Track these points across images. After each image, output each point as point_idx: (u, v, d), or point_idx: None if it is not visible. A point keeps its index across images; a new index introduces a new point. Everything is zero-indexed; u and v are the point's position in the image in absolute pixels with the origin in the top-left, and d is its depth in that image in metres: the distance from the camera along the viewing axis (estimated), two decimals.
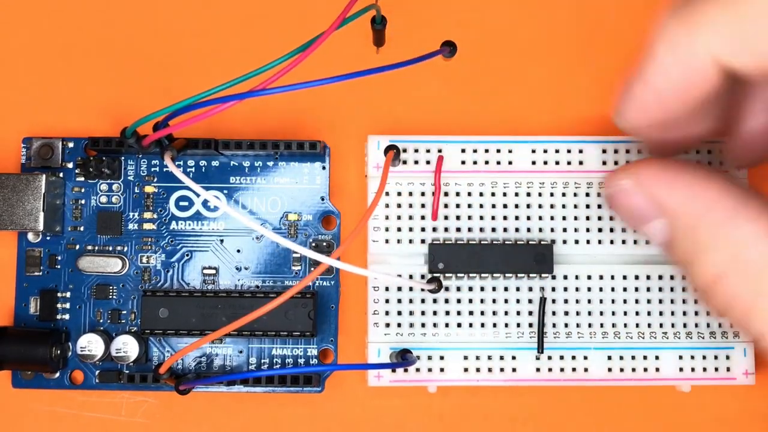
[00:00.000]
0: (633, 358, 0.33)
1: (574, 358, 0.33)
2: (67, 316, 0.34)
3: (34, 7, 0.36)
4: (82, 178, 0.34)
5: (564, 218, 0.33)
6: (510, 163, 0.33)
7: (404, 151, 0.33)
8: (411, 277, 0.33)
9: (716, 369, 0.33)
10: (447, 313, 0.33)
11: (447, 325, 0.33)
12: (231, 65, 0.35)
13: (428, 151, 0.33)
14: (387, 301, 0.33)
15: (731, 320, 0.24)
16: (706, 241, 0.23)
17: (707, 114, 0.26)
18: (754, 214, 0.22)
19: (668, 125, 0.25)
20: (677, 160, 0.25)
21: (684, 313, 0.33)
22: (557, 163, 0.33)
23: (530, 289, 0.33)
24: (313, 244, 0.34)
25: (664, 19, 0.22)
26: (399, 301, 0.33)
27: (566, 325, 0.33)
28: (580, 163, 0.33)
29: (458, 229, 0.33)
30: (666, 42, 0.22)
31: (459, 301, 0.33)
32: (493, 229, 0.33)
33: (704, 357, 0.33)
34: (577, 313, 0.33)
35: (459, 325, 0.33)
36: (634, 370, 0.33)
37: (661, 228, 0.25)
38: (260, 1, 0.36)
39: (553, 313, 0.33)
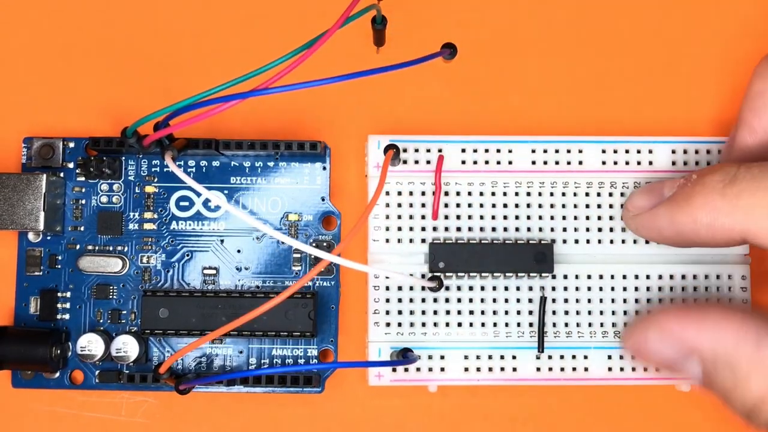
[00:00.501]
0: (633, 357, 0.33)
1: (574, 357, 0.33)
2: (67, 316, 0.34)
3: (34, 7, 0.36)
4: (83, 178, 0.34)
5: (564, 218, 0.33)
6: (510, 163, 0.33)
7: (404, 150, 0.33)
8: (411, 276, 0.33)
9: None
10: (447, 312, 0.33)
11: (447, 324, 0.33)
12: (231, 65, 0.35)
13: (428, 150, 0.33)
14: (387, 300, 0.33)
15: None
16: (743, 371, 0.25)
17: None
18: None
19: None
20: (688, 304, 0.30)
21: None
22: (557, 163, 0.33)
23: (530, 288, 0.33)
24: (314, 245, 0.34)
25: (712, 182, 0.27)
26: (399, 300, 0.33)
27: (566, 325, 0.33)
28: (580, 163, 0.33)
29: (458, 229, 0.33)
30: (707, 203, 0.27)
31: (459, 300, 0.33)
32: (494, 229, 0.33)
33: None
34: (578, 313, 0.33)
35: (459, 324, 0.33)
36: (634, 369, 0.33)
37: (697, 368, 0.27)
38: (260, 2, 0.36)
39: (554, 313, 0.33)
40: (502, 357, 0.33)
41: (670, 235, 0.29)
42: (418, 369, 0.32)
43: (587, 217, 0.33)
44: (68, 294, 0.34)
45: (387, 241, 0.33)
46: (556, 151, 0.33)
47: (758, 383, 0.25)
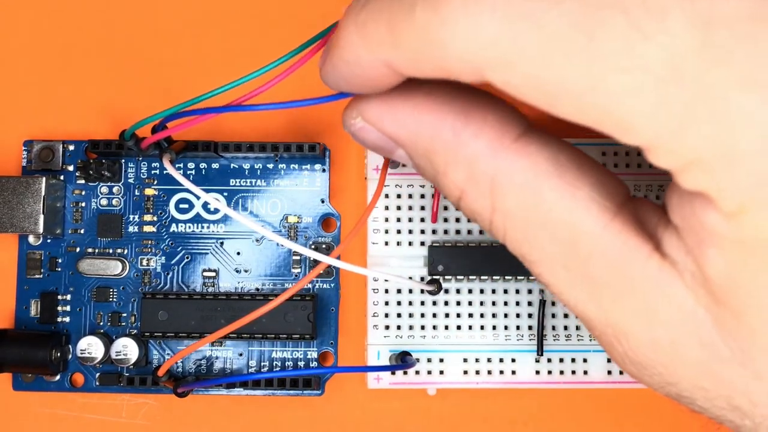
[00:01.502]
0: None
1: (573, 360, 0.33)
2: (67, 319, 0.34)
3: (34, 10, 0.36)
4: (83, 181, 0.34)
5: None
6: None
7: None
8: (410, 279, 0.33)
9: None
10: (447, 315, 0.33)
11: (447, 327, 0.33)
12: (231, 67, 0.35)
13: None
14: (386, 303, 0.33)
15: (484, 230, 0.24)
16: (440, 164, 0.23)
17: None
18: (477, 126, 0.22)
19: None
20: (401, 86, 0.23)
21: None
22: None
23: (530, 291, 0.33)
24: (313, 247, 0.34)
25: (347, 15, 0.22)
26: (399, 303, 0.33)
27: (566, 328, 0.33)
28: None
29: (458, 232, 0.33)
30: (346, 42, 0.21)
31: (458, 303, 0.33)
32: None
33: None
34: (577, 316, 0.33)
35: (458, 327, 0.33)
36: None
37: (405, 156, 0.24)
38: (260, 3, 0.36)
39: (553, 316, 0.33)
40: (501, 360, 0.33)
41: (340, 85, 0.23)
42: (417, 372, 0.32)
43: None
44: (68, 297, 0.34)
45: (386, 243, 0.33)
46: None
47: (456, 176, 0.22)
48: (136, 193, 0.35)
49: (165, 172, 0.35)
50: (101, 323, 0.34)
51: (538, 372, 0.33)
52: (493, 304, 0.33)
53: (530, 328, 0.33)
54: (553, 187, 0.21)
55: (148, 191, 0.35)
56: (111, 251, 0.34)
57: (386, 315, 0.33)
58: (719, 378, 0.21)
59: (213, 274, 0.34)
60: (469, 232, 0.33)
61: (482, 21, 0.18)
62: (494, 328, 0.33)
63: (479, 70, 0.19)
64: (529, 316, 0.33)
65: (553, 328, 0.33)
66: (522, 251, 0.22)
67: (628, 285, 0.21)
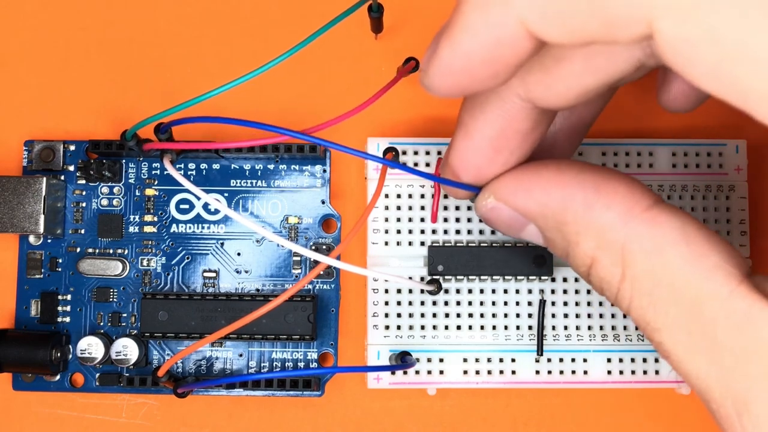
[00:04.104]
0: (632, 360, 0.32)
1: (573, 360, 0.33)
2: (67, 319, 0.34)
3: (34, 10, 0.36)
4: (83, 181, 0.35)
5: None
6: None
7: (404, 153, 0.33)
8: (410, 279, 0.33)
9: None
10: (446, 315, 0.33)
11: (446, 327, 0.33)
12: (231, 68, 0.35)
13: (428, 153, 0.33)
14: (386, 303, 0.33)
15: (610, 301, 0.24)
16: (572, 234, 0.24)
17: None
18: (608, 198, 0.23)
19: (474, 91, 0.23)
20: (531, 164, 0.25)
21: None
22: None
23: (530, 291, 0.33)
24: (314, 248, 0.34)
25: None
26: (398, 303, 0.33)
27: (566, 328, 0.33)
28: None
29: (458, 232, 0.33)
30: (476, 4, 0.20)
31: (458, 303, 0.33)
32: (493, 232, 0.33)
33: None
34: (577, 316, 0.33)
35: (458, 327, 0.33)
36: (633, 372, 0.32)
37: (536, 232, 0.25)
38: (260, 3, 0.36)
39: (553, 316, 0.33)
40: (501, 360, 0.33)
41: (456, 75, 0.21)
42: (417, 372, 0.32)
43: None
44: (69, 297, 0.34)
45: (386, 243, 0.33)
46: None
47: (585, 249, 0.23)
48: (137, 193, 0.35)
49: (165, 172, 0.35)
50: (101, 323, 0.34)
51: (538, 372, 0.33)
52: (493, 304, 0.33)
53: (530, 328, 0.33)
54: (680, 254, 0.22)
55: (149, 191, 0.35)
56: (111, 251, 0.34)
57: (386, 315, 0.33)
58: None
59: (213, 274, 0.34)
60: (469, 232, 0.33)
61: None
62: (494, 328, 0.33)
63: (648, 20, 0.17)
64: (529, 316, 0.33)
65: (553, 328, 0.33)
66: (646, 318, 0.23)
67: (753, 348, 0.21)
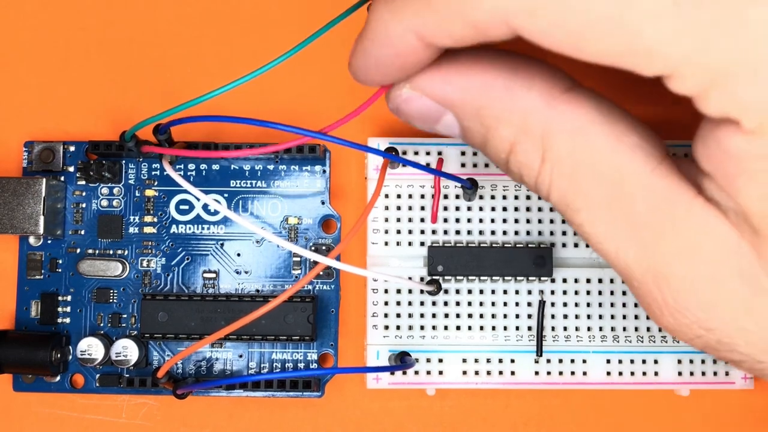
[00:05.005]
0: (632, 361, 0.32)
1: (573, 361, 0.33)
2: (67, 320, 0.34)
3: (34, 10, 0.36)
4: (83, 182, 0.35)
5: (563, 221, 0.33)
6: None
7: (404, 153, 0.33)
8: (410, 279, 0.33)
9: (715, 373, 0.32)
10: (446, 315, 0.33)
11: (446, 327, 0.33)
12: (230, 69, 0.35)
13: (428, 153, 0.33)
14: (386, 303, 0.33)
15: (528, 187, 0.24)
16: (492, 119, 0.23)
17: None
18: (527, 82, 0.23)
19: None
20: (446, 53, 0.24)
21: None
22: None
23: (529, 292, 0.33)
24: (313, 248, 0.34)
25: (374, 4, 0.23)
26: (398, 303, 0.33)
27: (565, 329, 0.33)
28: None
29: (458, 232, 0.33)
30: (379, 18, 0.22)
31: (458, 303, 0.33)
32: (493, 232, 0.33)
33: (703, 361, 0.32)
34: (577, 317, 0.33)
35: (458, 327, 0.33)
36: (633, 373, 0.32)
37: (452, 122, 0.25)
38: (260, 3, 0.36)
39: (553, 317, 0.33)
40: (500, 360, 0.33)
41: (370, 71, 0.24)
42: (416, 372, 0.32)
43: None
44: (69, 298, 0.34)
45: (386, 244, 0.33)
46: None
47: (505, 133, 0.23)
48: (137, 194, 0.35)
49: (165, 173, 0.35)
50: (101, 324, 0.34)
51: (537, 373, 0.33)
52: (493, 304, 0.33)
53: (530, 328, 0.33)
54: (602, 133, 0.22)
55: (149, 192, 0.35)
56: (111, 252, 0.34)
57: (386, 315, 0.33)
58: (761, 315, 0.22)
59: (213, 275, 0.34)
60: (469, 232, 0.33)
61: None
62: (494, 328, 0.33)
63: (507, 19, 0.20)
64: (529, 316, 0.33)
65: (553, 329, 0.33)
66: (566, 200, 0.23)
67: (671, 225, 0.22)
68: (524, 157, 0.23)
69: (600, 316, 0.33)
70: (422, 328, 0.33)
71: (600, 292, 0.33)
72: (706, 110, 0.20)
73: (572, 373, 0.32)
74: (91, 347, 0.33)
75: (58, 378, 0.34)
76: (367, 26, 0.23)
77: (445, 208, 0.33)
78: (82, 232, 0.34)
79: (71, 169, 0.35)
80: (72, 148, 0.35)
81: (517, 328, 0.33)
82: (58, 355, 0.33)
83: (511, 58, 0.23)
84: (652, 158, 0.22)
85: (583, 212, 0.23)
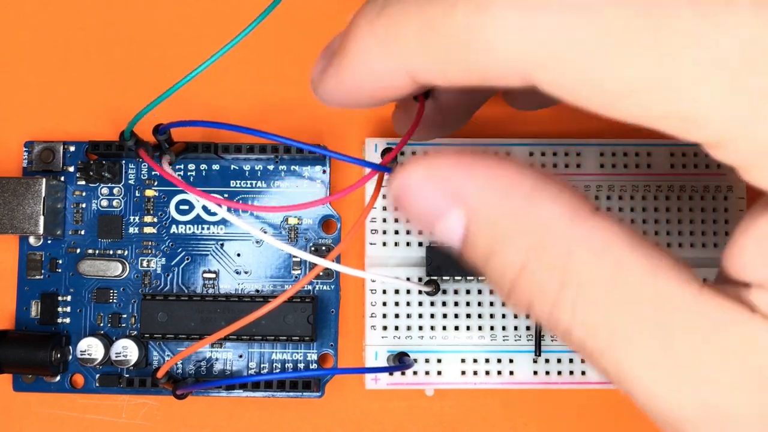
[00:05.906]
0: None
1: (571, 361, 0.33)
2: (67, 320, 0.34)
3: (34, 10, 0.36)
4: (83, 182, 0.35)
5: None
6: None
7: (402, 154, 0.33)
8: (408, 280, 0.33)
9: None
10: (444, 316, 0.33)
11: (444, 328, 0.33)
12: (231, 68, 0.35)
13: (426, 153, 0.33)
14: (384, 303, 0.33)
15: (536, 319, 0.20)
16: (505, 230, 0.20)
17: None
18: (553, 193, 0.20)
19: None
20: (467, 149, 0.22)
21: None
22: (555, 165, 0.33)
23: None
24: (313, 249, 0.35)
25: (360, 22, 0.20)
26: (396, 303, 0.33)
27: None
28: (578, 165, 0.33)
29: None
30: (360, 47, 0.20)
31: (456, 304, 0.33)
32: None
33: None
34: None
35: (456, 328, 0.33)
36: None
37: (458, 221, 0.21)
38: (260, 3, 0.36)
39: None
40: (499, 360, 0.33)
41: (343, 99, 0.22)
42: (415, 372, 0.32)
43: None
44: (69, 298, 0.34)
45: (384, 244, 0.33)
46: (554, 154, 0.33)
47: (516, 248, 0.19)
48: (137, 194, 0.35)
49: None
50: (101, 324, 0.34)
51: (536, 372, 0.33)
52: (491, 304, 0.33)
53: (528, 328, 0.33)
54: (636, 254, 0.19)
55: (149, 192, 0.35)
56: (111, 252, 0.34)
57: (384, 316, 0.33)
58: None
59: (213, 275, 0.34)
60: None
61: (535, 17, 0.17)
62: (492, 328, 0.33)
63: (527, 72, 0.18)
64: (527, 317, 0.33)
65: None
66: (596, 331, 0.19)
67: (734, 354, 0.18)
68: (539, 277, 0.19)
69: None
70: (421, 328, 0.33)
71: None
72: (753, 181, 0.17)
73: (571, 372, 0.33)
74: (91, 347, 0.33)
75: (58, 378, 0.34)
76: (346, 51, 0.20)
77: None
78: (82, 232, 0.35)
79: (71, 169, 0.35)
80: (72, 148, 0.35)
81: (516, 328, 0.33)
82: (58, 355, 0.33)
83: (536, 170, 0.20)
84: (693, 281, 0.19)
85: (618, 348, 0.19)
